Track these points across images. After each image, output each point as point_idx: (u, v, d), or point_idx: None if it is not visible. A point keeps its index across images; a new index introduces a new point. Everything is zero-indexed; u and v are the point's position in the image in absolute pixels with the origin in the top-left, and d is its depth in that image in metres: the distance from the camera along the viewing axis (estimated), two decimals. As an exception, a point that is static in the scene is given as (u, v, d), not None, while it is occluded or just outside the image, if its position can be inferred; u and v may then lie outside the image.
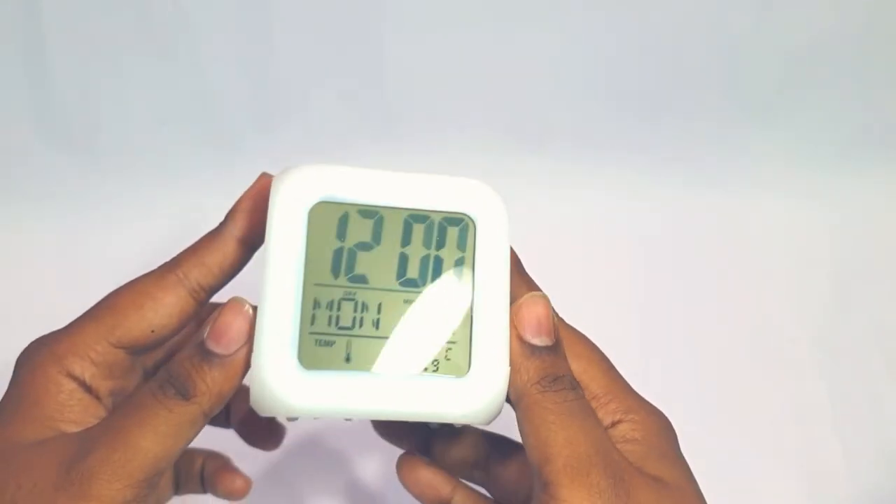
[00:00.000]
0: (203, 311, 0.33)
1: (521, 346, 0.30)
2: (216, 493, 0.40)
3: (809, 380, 0.54)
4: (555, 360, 0.30)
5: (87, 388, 0.30)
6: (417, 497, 0.37)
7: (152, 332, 0.31)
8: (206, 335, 0.29)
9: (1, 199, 0.58)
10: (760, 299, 0.57)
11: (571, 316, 0.33)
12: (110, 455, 0.27)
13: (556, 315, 0.31)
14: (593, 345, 0.32)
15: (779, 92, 0.58)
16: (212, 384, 0.28)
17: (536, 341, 0.30)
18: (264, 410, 0.29)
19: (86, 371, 0.30)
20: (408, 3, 0.56)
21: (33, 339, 0.31)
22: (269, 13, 0.55)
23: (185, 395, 0.28)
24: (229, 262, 0.32)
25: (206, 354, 0.29)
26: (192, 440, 0.29)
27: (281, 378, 0.29)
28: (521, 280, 0.33)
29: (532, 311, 0.30)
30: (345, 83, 0.58)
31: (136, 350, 0.31)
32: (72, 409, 0.29)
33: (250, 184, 0.34)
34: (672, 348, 0.53)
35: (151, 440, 0.27)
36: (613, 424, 0.30)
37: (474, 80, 0.58)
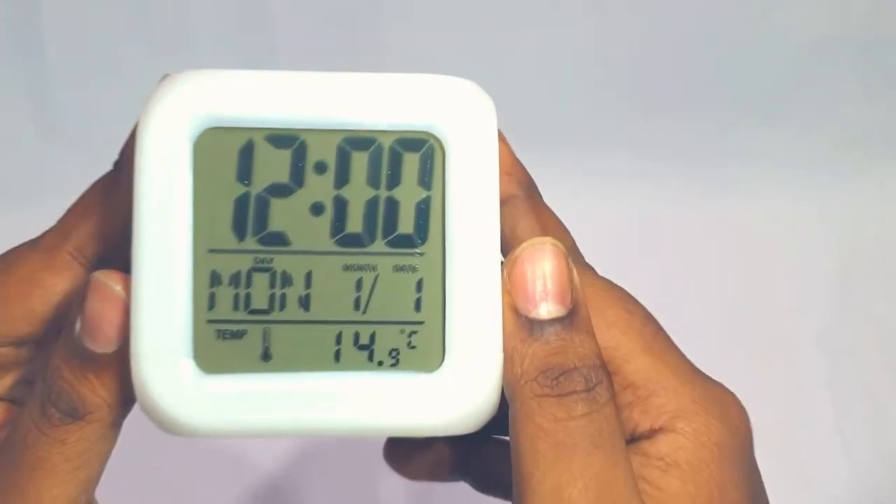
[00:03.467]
0: None
1: (516, 321, 0.21)
2: None
3: (810, 380, 0.53)
4: (566, 342, 0.20)
5: None
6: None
7: (43, 323, 0.24)
8: (76, 331, 0.21)
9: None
10: (760, 299, 0.56)
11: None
12: None
13: (575, 267, 0.21)
14: (633, 303, 0.22)
15: (780, 91, 0.58)
16: (104, 393, 0.21)
17: (539, 312, 0.20)
18: (158, 426, 0.21)
19: None
20: (408, 2, 0.54)
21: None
22: (268, 12, 0.54)
23: (74, 415, 0.21)
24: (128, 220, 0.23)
25: (85, 356, 0.21)
26: (108, 456, 0.22)
27: (170, 388, 0.20)
28: (531, 214, 0.23)
29: (532, 267, 0.21)
30: None
31: (29, 342, 0.24)
32: None
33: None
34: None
35: (52, 486, 0.21)
36: (651, 434, 0.21)
37: (474, 79, 0.54)
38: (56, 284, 0.23)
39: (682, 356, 0.22)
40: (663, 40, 0.56)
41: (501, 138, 0.22)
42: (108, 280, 0.20)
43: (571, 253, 0.23)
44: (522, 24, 0.56)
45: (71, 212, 0.24)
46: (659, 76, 0.57)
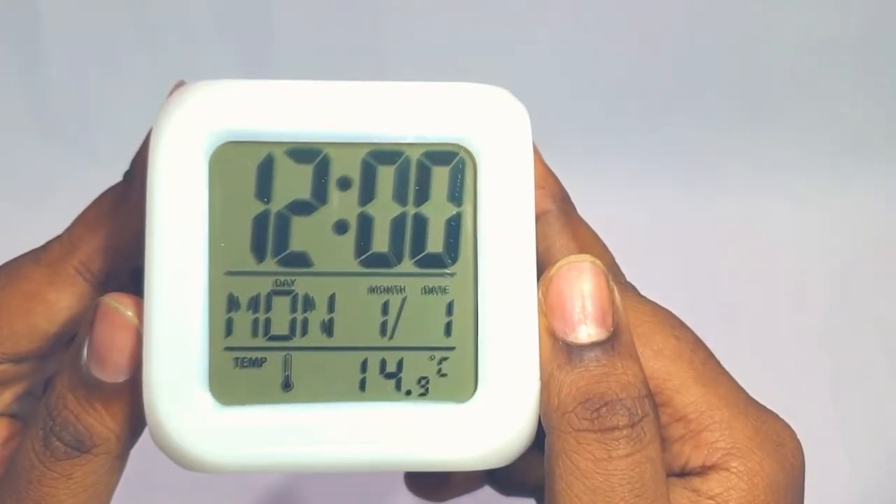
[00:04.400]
0: None
1: (552, 345, 0.19)
2: None
3: (811, 380, 0.52)
4: (608, 368, 0.19)
5: None
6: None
7: (46, 340, 0.23)
8: (84, 358, 0.20)
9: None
10: (761, 299, 0.55)
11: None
12: None
13: (616, 287, 0.20)
14: (681, 328, 0.21)
15: (780, 92, 0.57)
16: (113, 424, 0.20)
17: (578, 336, 0.19)
18: (172, 460, 0.19)
19: None
20: (408, 2, 0.53)
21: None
22: (267, 12, 0.53)
23: (80, 447, 0.20)
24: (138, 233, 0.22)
25: (92, 385, 0.20)
26: (116, 485, 0.21)
27: (184, 421, 0.19)
28: (567, 230, 0.22)
29: (569, 287, 0.19)
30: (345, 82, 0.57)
31: (30, 358, 0.23)
32: None
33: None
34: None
35: None
36: (703, 472, 0.19)
37: (474, 80, 0.55)
38: (60, 301, 0.22)
39: (735, 384, 0.21)
40: (663, 41, 0.56)
41: (535, 147, 0.21)
42: (119, 305, 0.19)
43: (611, 271, 0.21)
44: (523, 26, 0.56)
45: (78, 223, 0.23)
46: (659, 77, 0.57)
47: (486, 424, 0.19)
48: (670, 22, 0.55)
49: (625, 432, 0.18)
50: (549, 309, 0.19)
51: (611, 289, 0.19)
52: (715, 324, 0.56)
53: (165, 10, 0.54)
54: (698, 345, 0.21)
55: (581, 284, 0.19)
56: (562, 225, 0.22)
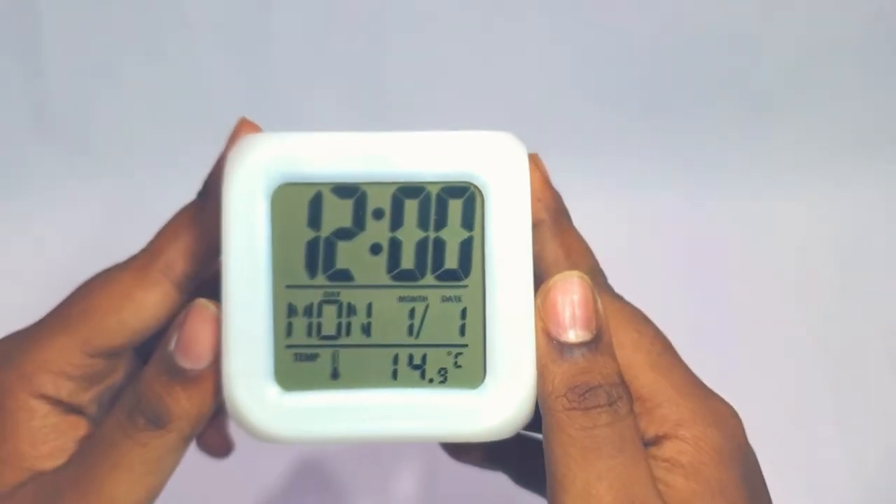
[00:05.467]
0: None
1: (548, 344, 0.24)
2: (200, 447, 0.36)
3: (812, 379, 0.52)
4: (591, 363, 0.23)
5: (65, 406, 0.27)
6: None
7: (134, 335, 0.27)
8: (172, 348, 0.24)
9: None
10: (762, 298, 0.56)
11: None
12: None
13: (600, 295, 0.24)
14: (644, 323, 0.25)
15: (781, 91, 0.57)
16: (188, 406, 0.24)
17: (569, 337, 0.24)
18: (246, 433, 0.25)
19: (61, 389, 0.26)
20: (408, 2, 0.54)
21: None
22: (267, 12, 0.54)
23: (158, 423, 0.24)
24: (217, 242, 0.27)
25: (175, 372, 0.24)
26: (175, 469, 0.25)
27: (256, 404, 0.24)
28: (557, 238, 0.26)
29: (563, 297, 0.24)
30: (345, 83, 0.56)
31: (118, 354, 0.27)
32: (46, 439, 0.26)
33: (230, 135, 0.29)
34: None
35: (127, 485, 0.24)
36: (657, 441, 0.24)
37: (475, 79, 0.57)
38: (147, 298, 0.26)
39: (687, 371, 0.25)
40: (663, 41, 0.56)
41: (537, 162, 0.25)
42: (207, 304, 0.24)
43: (592, 273, 0.26)
44: (524, 28, 0.56)
45: (159, 236, 0.27)
46: (659, 77, 0.57)
47: (493, 406, 0.24)
48: (670, 22, 0.55)
49: (605, 409, 0.23)
50: (545, 314, 0.24)
51: (595, 299, 0.24)
52: (714, 323, 0.55)
53: (165, 13, 0.54)
54: (657, 339, 0.25)
55: (572, 295, 0.24)
56: (553, 233, 0.26)
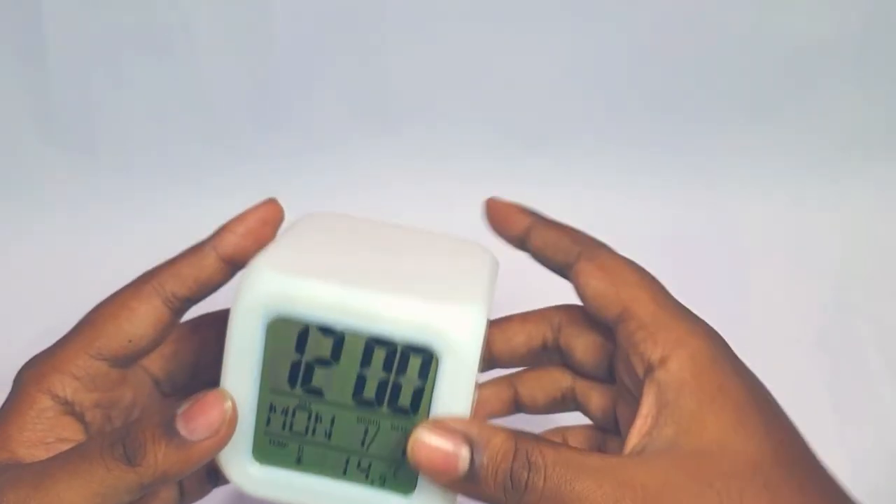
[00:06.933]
0: (196, 335, 0.34)
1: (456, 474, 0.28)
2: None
3: (810, 380, 0.52)
4: (493, 463, 0.28)
5: (69, 405, 0.30)
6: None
7: (129, 342, 0.31)
8: (179, 411, 0.28)
9: None
10: (760, 299, 0.56)
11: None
12: (27, 499, 0.26)
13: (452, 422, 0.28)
14: (642, 271, 0.32)
15: (780, 92, 0.57)
16: (161, 461, 0.27)
17: (459, 466, 0.28)
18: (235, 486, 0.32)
19: (67, 387, 0.30)
20: (409, 2, 0.54)
21: (30, 338, 0.32)
22: (268, 12, 0.54)
23: (130, 460, 0.27)
24: (206, 275, 0.32)
25: (169, 430, 0.27)
26: None
27: (239, 469, 0.31)
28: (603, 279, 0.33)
29: (426, 461, 0.28)
30: (345, 83, 0.57)
31: (118, 362, 0.32)
32: (34, 428, 0.29)
33: (251, 203, 0.34)
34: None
35: (76, 494, 0.26)
36: (662, 362, 0.30)
37: (475, 79, 0.57)
38: (140, 307, 0.31)
39: (677, 303, 0.32)
40: (663, 41, 0.56)
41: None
42: (227, 395, 0.29)
43: (581, 242, 0.34)
44: (524, 27, 0.56)
45: (164, 261, 0.33)
46: (659, 77, 0.57)
47: None
48: (670, 22, 0.55)
49: (527, 474, 0.27)
50: (425, 473, 0.29)
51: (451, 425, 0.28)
52: (714, 323, 0.56)
53: (168, 12, 0.54)
54: (654, 280, 0.32)
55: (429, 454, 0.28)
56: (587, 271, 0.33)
